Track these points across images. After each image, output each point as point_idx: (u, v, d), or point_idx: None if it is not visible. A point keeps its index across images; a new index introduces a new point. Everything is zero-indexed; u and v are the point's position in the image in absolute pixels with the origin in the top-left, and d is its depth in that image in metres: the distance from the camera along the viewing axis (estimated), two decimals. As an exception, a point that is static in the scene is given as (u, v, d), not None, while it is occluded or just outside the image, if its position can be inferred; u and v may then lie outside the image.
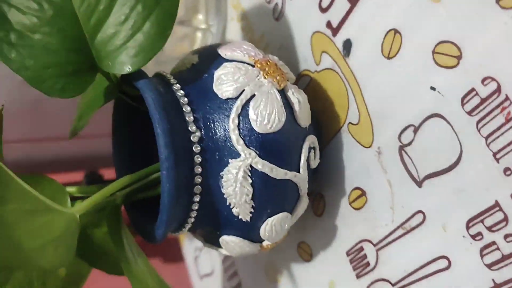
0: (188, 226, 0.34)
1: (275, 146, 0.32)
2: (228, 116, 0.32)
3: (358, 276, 0.37)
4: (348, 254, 0.38)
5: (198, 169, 0.32)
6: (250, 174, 0.32)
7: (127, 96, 0.36)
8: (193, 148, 0.32)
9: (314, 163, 0.35)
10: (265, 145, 0.32)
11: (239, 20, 0.47)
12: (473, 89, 0.27)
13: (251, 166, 0.31)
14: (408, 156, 0.32)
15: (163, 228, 0.32)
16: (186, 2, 0.48)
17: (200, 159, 0.32)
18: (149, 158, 0.39)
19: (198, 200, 0.33)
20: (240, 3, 0.47)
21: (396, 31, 0.32)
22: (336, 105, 0.37)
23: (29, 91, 0.32)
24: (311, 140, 0.35)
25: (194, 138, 0.32)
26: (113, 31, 0.31)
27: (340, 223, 0.38)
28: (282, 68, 0.35)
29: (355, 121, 0.36)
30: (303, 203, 0.35)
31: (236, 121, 0.32)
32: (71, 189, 0.37)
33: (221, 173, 0.32)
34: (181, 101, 0.32)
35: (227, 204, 0.33)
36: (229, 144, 0.32)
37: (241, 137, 0.31)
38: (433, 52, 0.29)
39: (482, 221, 0.28)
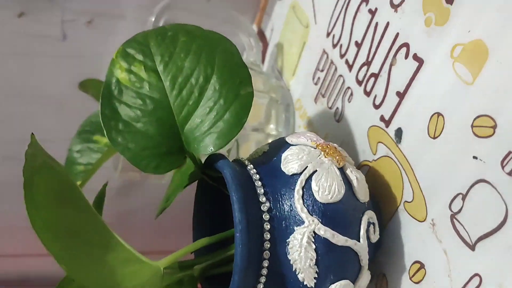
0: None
1: (336, 215, 0.36)
2: (293, 189, 0.36)
3: None
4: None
5: (267, 236, 0.36)
6: (313, 240, 0.35)
7: (209, 177, 0.41)
8: (263, 216, 0.36)
9: (374, 238, 0.38)
10: (327, 213, 0.36)
11: (306, 127, 0.54)
12: (510, 152, 0.31)
13: (314, 232, 0.35)
14: (460, 222, 0.34)
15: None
16: (262, 114, 0.55)
17: (268, 226, 0.36)
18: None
19: (267, 265, 0.36)
20: (306, 112, 0.54)
21: (439, 114, 0.36)
22: (393, 187, 0.41)
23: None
24: (370, 214, 0.38)
25: (264, 207, 0.36)
26: (199, 120, 0.38)
27: (404, 302, 0.40)
28: (342, 152, 0.40)
29: (409, 199, 0.39)
30: (365, 276, 0.38)
31: (301, 192, 0.36)
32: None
33: (287, 240, 0.36)
34: (254, 177, 0.38)
35: (293, 270, 0.36)
36: (294, 213, 0.36)
37: (305, 206, 0.36)
38: (472, 126, 0.34)
39: (534, 275, 0.29)
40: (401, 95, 0.40)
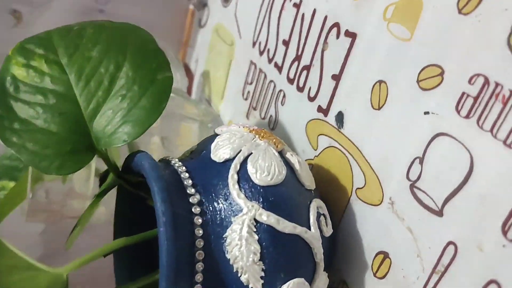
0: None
1: (279, 199, 0.30)
2: (227, 176, 0.31)
3: None
4: None
5: (199, 231, 0.29)
6: (255, 230, 0.29)
7: (129, 184, 0.35)
8: (192, 209, 0.30)
9: (327, 231, 0.33)
10: (268, 197, 0.30)
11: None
12: (463, 93, 0.27)
13: (255, 220, 0.29)
14: (421, 190, 0.30)
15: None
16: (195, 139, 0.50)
17: (200, 221, 0.30)
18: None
19: (201, 269, 0.29)
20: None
21: (381, 82, 0.33)
22: (341, 178, 0.36)
23: None
24: (319, 203, 0.33)
25: (193, 199, 0.30)
26: (110, 111, 0.33)
27: (371, 308, 0.33)
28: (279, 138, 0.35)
29: (361, 184, 0.34)
30: (322, 277, 0.31)
31: (236, 177, 0.30)
32: None
33: (224, 235, 0.30)
34: (179, 170, 0.32)
35: (234, 271, 0.29)
36: (230, 201, 0.30)
37: (242, 192, 0.30)
38: (418, 81, 0.30)
39: (517, 222, 0.25)
40: (337, 77, 0.37)
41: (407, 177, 0.31)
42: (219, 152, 0.32)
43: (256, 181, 0.30)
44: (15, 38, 0.36)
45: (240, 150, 0.32)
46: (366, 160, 0.34)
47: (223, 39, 0.54)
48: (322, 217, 0.33)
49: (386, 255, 0.32)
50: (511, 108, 0.25)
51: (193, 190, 0.31)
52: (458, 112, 0.28)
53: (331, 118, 0.37)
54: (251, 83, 0.49)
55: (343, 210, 0.36)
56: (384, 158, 0.32)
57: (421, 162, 0.30)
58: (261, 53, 0.47)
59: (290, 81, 0.42)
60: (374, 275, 0.33)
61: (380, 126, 0.33)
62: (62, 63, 0.34)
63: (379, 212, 0.33)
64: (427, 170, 0.29)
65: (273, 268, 0.29)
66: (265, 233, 0.29)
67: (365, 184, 0.34)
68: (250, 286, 0.29)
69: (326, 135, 0.38)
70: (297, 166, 0.33)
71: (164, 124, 0.50)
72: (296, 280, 0.30)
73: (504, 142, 0.25)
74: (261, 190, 0.30)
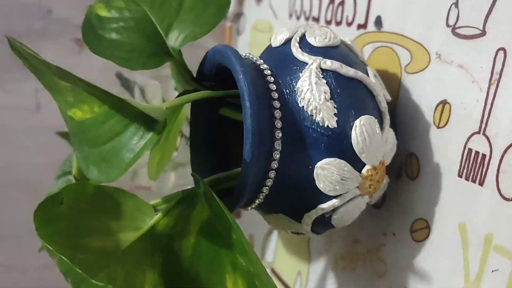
0: (275, 164, 0.32)
1: (338, 54, 0.34)
2: (290, 48, 0.35)
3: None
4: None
5: (275, 95, 0.33)
6: (322, 76, 0.33)
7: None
8: (268, 84, 0.33)
9: (386, 94, 0.36)
10: (329, 52, 0.34)
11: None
12: None
13: (321, 68, 0.33)
14: (461, 27, 0.33)
15: (250, 153, 0.31)
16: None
17: (275, 87, 0.33)
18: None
19: (280, 126, 0.32)
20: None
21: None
22: (389, 68, 0.40)
23: None
24: (374, 72, 0.36)
25: (267, 72, 0.34)
26: (182, 24, 0.38)
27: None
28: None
29: (408, 60, 0.38)
30: (390, 130, 0.34)
31: (297, 45, 0.35)
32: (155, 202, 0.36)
33: (295, 88, 0.33)
34: (254, 59, 0.35)
35: (309, 114, 0.32)
36: (296, 64, 0.34)
37: (304, 52, 0.34)
38: None
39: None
40: (369, -9, 0.42)
41: (447, 24, 0.34)
42: (279, 37, 0.36)
43: (316, 44, 0.34)
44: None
45: (297, 30, 0.36)
46: (409, 37, 0.38)
47: (261, 30, 0.61)
48: (379, 79, 0.36)
49: (444, 102, 0.35)
50: None
51: (265, 66, 0.34)
52: None
53: (370, 26, 0.42)
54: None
55: (397, 90, 0.39)
56: (423, 25, 0.36)
57: (456, 6, 0.34)
58: (297, 17, 0.53)
59: (328, 22, 0.48)
60: (438, 126, 0.35)
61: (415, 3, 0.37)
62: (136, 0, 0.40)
63: (429, 72, 0.36)
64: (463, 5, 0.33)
65: (343, 106, 0.32)
66: (331, 77, 0.33)
67: (411, 58, 0.38)
68: (326, 124, 0.32)
69: (369, 43, 0.42)
70: (348, 41, 0.37)
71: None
72: (367, 116, 0.32)
73: None
74: (322, 49, 0.34)
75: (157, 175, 0.44)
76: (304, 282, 0.49)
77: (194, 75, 0.39)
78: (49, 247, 0.28)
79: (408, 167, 0.38)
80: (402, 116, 0.38)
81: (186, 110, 0.43)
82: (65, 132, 0.58)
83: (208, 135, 0.41)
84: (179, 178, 0.59)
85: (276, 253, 0.55)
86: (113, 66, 0.38)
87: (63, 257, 0.27)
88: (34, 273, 0.72)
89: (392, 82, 0.39)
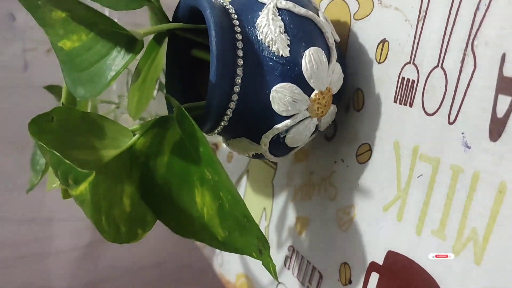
0: (237, 88, 0.38)
1: (293, -2, 0.40)
2: (252, -7, 0.40)
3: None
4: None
5: (238, 29, 0.38)
6: (278, 13, 0.38)
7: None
8: (231, 14, 0.39)
9: (334, 34, 0.42)
10: (283, -3, 0.40)
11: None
12: None
13: (277, 7, 0.38)
14: (398, -27, 0.39)
15: (215, 75, 0.36)
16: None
17: (237, 22, 0.38)
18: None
19: (241, 55, 0.38)
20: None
21: None
22: (340, 17, 0.46)
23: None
24: (326, 16, 0.42)
25: (231, 10, 0.39)
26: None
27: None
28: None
29: (356, 8, 0.44)
30: (336, 64, 0.40)
31: (257, -10, 0.40)
32: (134, 127, 0.41)
33: (255, 24, 0.39)
34: (224, 3, 0.41)
35: (267, 45, 0.38)
36: (257, 4, 0.39)
37: (263, -5, 0.40)
38: None
39: None
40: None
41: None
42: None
43: (274, -11, 0.40)
44: None
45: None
46: (357, -11, 0.44)
47: None
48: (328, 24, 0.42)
49: (384, 41, 0.41)
50: None
51: (232, 10, 0.40)
52: None
53: (327, -17, 0.48)
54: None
55: (347, 35, 0.45)
56: (369, -24, 0.42)
57: (394, -43, 0.40)
58: None
59: None
60: (379, 62, 0.41)
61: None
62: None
63: (373, 16, 0.42)
64: (400, -42, 0.39)
65: (296, 39, 0.38)
66: (285, 15, 0.38)
67: (358, 7, 0.43)
68: (280, 53, 0.37)
69: (325, -2, 0.48)
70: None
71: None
72: (315, 47, 0.38)
73: None
74: (278, -7, 0.40)
75: (137, 114, 0.49)
76: (269, 215, 0.55)
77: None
78: (42, 143, 0.33)
79: (355, 101, 0.44)
80: (351, 57, 0.44)
81: (162, 61, 0.48)
82: (51, 86, 0.63)
83: (181, 76, 0.46)
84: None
85: (245, 197, 0.61)
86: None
87: (54, 151, 0.32)
88: (19, 226, 0.77)
89: (343, 28, 0.45)
